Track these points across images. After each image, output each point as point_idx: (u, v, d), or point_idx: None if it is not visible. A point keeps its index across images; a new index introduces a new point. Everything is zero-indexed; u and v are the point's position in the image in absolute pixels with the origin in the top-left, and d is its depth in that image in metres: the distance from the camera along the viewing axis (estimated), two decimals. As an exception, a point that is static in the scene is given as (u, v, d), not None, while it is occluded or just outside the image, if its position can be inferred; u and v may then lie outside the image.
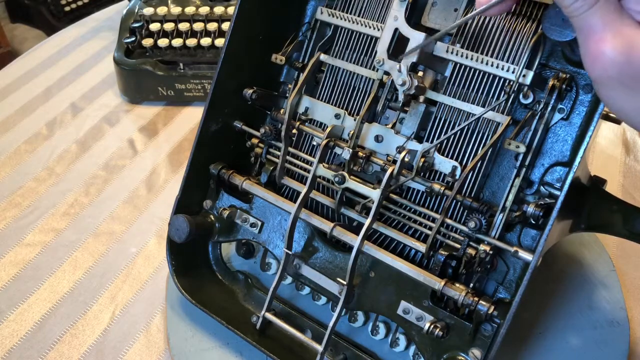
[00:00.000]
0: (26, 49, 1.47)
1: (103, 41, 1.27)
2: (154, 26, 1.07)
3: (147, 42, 1.06)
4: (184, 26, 1.06)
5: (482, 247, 0.55)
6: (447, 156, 0.58)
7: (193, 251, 0.70)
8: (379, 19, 0.61)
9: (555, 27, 0.48)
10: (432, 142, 0.58)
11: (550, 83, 0.54)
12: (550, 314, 0.69)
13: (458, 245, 0.57)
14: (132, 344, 0.69)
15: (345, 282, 0.59)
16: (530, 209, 0.53)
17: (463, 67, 0.57)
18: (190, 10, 1.08)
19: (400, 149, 0.59)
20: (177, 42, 1.05)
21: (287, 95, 0.69)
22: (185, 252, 0.69)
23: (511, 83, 0.55)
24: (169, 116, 1.06)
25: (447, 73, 0.58)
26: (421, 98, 0.59)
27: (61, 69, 1.19)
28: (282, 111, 0.68)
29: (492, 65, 0.55)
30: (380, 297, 0.60)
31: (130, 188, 0.91)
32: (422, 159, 0.57)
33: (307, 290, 0.69)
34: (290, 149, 0.66)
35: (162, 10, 1.08)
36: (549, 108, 0.54)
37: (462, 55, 0.56)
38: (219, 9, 1.08)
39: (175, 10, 1.07)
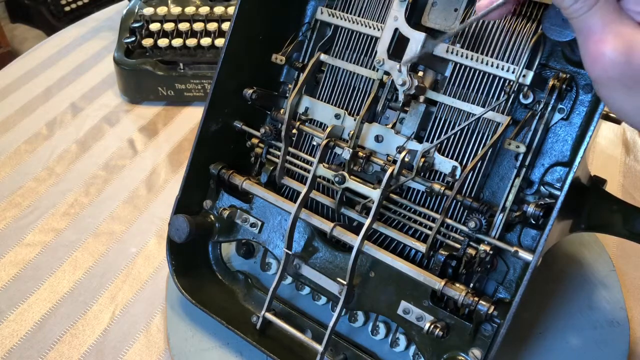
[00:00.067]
0: (26, 49, 1.47)
1: (103, 41, 1.27)
2: (154, 26, 1.07)
3: (147, 42, 1.06)
4: (184, 26, 1.06)
5: (482, 247, 0.55)
6: (447, 156, 0.58)
7: (193, 251, 0.70)
8: (379, 19, 0.61)
9: (555, 27, 0.48)
10: (432, 142, 0.58)
11: (550, 83, 0.54)
12: (550, 314, 0.69)
13: (458, 245, 0.57)
14: (132, 344, 0.69)
15: (345, 282, 0.59)
16: (531, 209, 0.53)
17: (463, 67, 0.57)
18: (190, 10, 1.08)
19: (400, 149, 0.59)
20: (177, 42, 1.05)
21: (287, 95, 0.69)
22: (185, 252, 0.69)
23: (511, 83, 0.55)
24: (169, 116, 1.06)
25: (447, 73, 0.58)
26: (421, 98, 0.59)
27: (61, 69, 1.19)
28: (282, 111, 0.68)
29: (492, 66, 0.55)
30: (380, 297, 0.60)
31: (130, 188, 0.91)
32: (422, 159, 0.57)
33: (307, 290, 0.69)
34: (290, 149, 0.66)
35: (162, 10, 1.08)
36: (549, 108, 0.54)
37: (462, 56, 0.56)
38: (219, 9, 1.08)
39: (175, 10, 1.07)
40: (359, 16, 0.62)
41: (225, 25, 1.07)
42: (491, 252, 0.55)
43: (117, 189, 0.91)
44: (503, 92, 0.55)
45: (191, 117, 1.05)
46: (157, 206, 0.87)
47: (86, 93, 1.12)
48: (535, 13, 0.54)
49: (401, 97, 0.57)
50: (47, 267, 0.78)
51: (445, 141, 0.58)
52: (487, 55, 0.56)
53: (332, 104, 0.64)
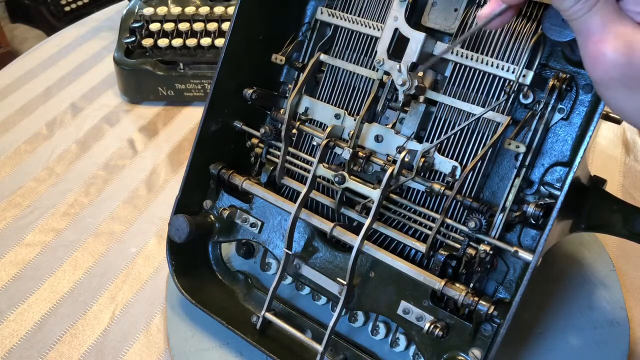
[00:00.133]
0: (26, 49, 1.47)
1: (103, 41, 1.27)
2: (154, 26, 1.07)
3: (147, 42, 1.06)
4: (184, 26, 1.06)
5: (482, 247, 0.55)
6: (447, 156, 0.58)
7: (193, 251, 0.70)
8: (379, 19, 0.61)
9: (555, 27, 0.48)
10: (432, 142, 0.58)
11: (550, 83, 0.54)
12: (550, 314, 0.69)
13: (458, 245, 0.57)
14: (132, 344, 0.69)
15: (345, 282, 0.59)
16: (530, 209, 0.53)
17: (463, 67, 0.57)
18: (190, 10, 1.08)
19: (400, 149, 0.59)
20: (177, 42, 1.05)
21: (287, 95, 0.69)
22: (185, 252, 0.69)
23: (511, 83, 0.55)
24: (169, 116, 1.06)
25: (447, 73, 0.58)
26: (421, 98, 0.59)
27: (61, 69, 1.19)
28: (282, 111, 0.68)
29: (492, 65, 0.55)
30: (380, 297, 0.60)
31: (130, 188, 0.91)
32: (422, 159, 0.57)
33: (307, 290, 0.69)
34: (290, 149, 0.66)
35: (162, 10, 1.08)
36: (549, 108, 0.54)
37: (462, 55, 0.56)
38: (219, 9, 1.08)
39: (175, 10, 1.07)
40: (359, 16, 0.62)
41: (225, 25, 1.07)
42: (491, 252, 0.55)
43: (117, 189, 0.91)
44: (503, 92, 0.55)
45: (191, 117, 1.05)
46: (157, 206, 0.87)
47: (86, 93, 1.12)
48: (535, 13, 0.54)
49: (401, 97, 0.57)
50: (47, 267, 0.78)
51: (445, 141, 0.58)
52: (487, 55, 0.56)
53: (332, 104, 0.64)
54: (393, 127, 0.61)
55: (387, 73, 0.58)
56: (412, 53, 0.55)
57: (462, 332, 0.55)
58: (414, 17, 0.59)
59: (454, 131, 0.57)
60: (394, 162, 0.57)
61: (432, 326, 0.55)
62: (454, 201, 0.57)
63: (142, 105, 1.09)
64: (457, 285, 0.55)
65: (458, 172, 0.57)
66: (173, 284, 0.68)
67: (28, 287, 0.75)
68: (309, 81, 0.65)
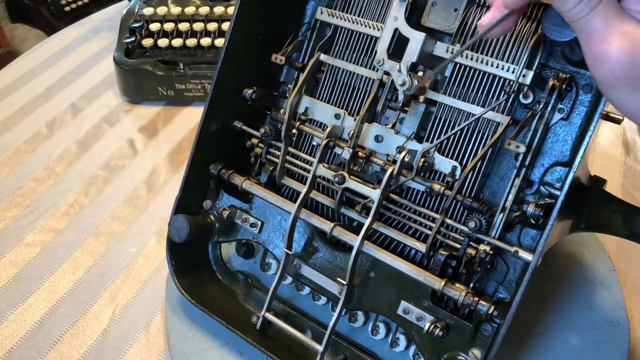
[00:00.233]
0: (26, 49, 1.47)
1: (103, 41, 1.27)
2: (154, 26, 1.07)
3: (147, 42, 1.06)
4: (184, 26, 1.06)
5: (482, 247, 0.55)
6: (447, 156, 0.58)
7: (193, 251, 0.70)
8: (379, 19, 0.61)
9: (555, 27, 0.48)
10: (432, 142, 0.58)
11: (550, 83, 0.54)
12: (550, 314, 0.69)
13: (458, 245, 0.57)
14: (132, 344, 0.69)
15: (345, 282, 0.59)
16: (530, 209, 0.53)
17: (463, 67, 0.57)
18: (190, 10, 1.08)
19: (400, 149, 0.59)
20: (177, 42, 1.05)
21: (287, 95, 0.69)
22: (185, 252, 0.69)
23: (511, 83, 0.55)
24: (169, 116, 1.06)
25: (447, 73, 0.58)
26: (421, 98, 0.59)
27: (61, 69, 1.19)
28: (282, 111, 0.68)
29: (492, 65, 0.55)
30: (380, 297, 0.60)
31: (130, 188, 0.91)
32: (422, 159, 0.57)
33: (307, 290, 0.69)
34: (290, 149, 0.66)
35: (162, 10, 1.08)
36: (549, 108, 0.54)
37: (462, 55, 0.56)
38: (219, 9, 1.08)
39: (175, 10, 1.07)
40: (358, 16, 0.62)
41: (225, 25, 1.07)
42: (491, 252, 0.55)
43: (117, 189, 0.91)
44: (503, 92, 0.55)
45: (191, 117, 1.05)
46: (157, 206, 0.87)
47: (86, 93, 1.12)
48: (535, 13, 0.54)
49: (401, 97, 0.57)
50: (47, 267, 0.78)
51: (445, 141, 0.58)
52: (487, 55, 0.56)
53: (332, 104, 0.64)
54: (393, 127, 0.61)
55: (387, 73, 0.58)
56: (412, 53, 0.55)
57: (462, 332, 0.55)
58: (413, 17, 0.59)
59: (454, 131, 0.57)
60: (394, 162, 0.57)
61: (432, 326, 0.55)
62: (454, 201, 0.57)
63: (142, 105, 1.09)
64: (457, 285, 0.55)
65: (458, 172, 0.57)
66: (173, 284, 0.68)
67: (28, 287, 0.75)
68: (309, 81, 0.65)
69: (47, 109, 1.08)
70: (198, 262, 0.71)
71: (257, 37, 0.67)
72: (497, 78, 0.56)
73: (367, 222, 0.57)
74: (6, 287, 0.76)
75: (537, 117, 0.55)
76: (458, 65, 0.57)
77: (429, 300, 0.57)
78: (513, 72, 0.54)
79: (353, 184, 0.58)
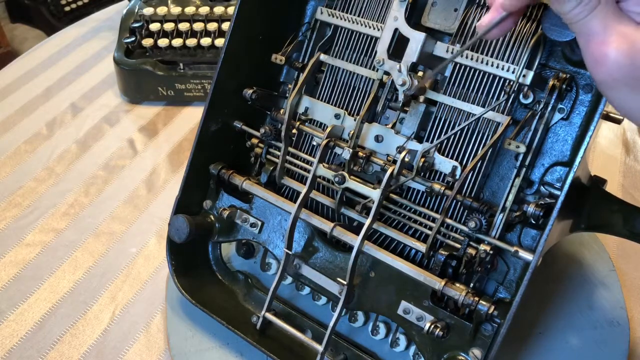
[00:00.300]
0: (26, 49, 1.47)
1: (103, 41, 1.27)
2: (154, 26, 1.07)
3: (147, 42, 1.06)
4: (184, 26, 1.06)
5: (482, 247, 0.55)
6: (447, 156, 0.58)
7: (193, 251, 0.70)
8: (379, 19, 0.61)
9: (555, 27, 0.48)
10: (432, 142, 0.58)
11: (550, 83, 0.54)
12: (550, 314, 0.69)
13: (458, 245, 0.57)
14: (132, 344, 0.69)
15: (345, 282, 0.59)
16: (531, 209, 0.53)
17: (463, 67, 0.57)
18: (190, 10, 1.08)
19: (400, 149, 0.59)
20: (177, 42, 1.05)
21: (287, 95, 0.69)
22: (185, 252, 0.69)
23: (511, 83, 0.55)
24: (169, 116, 1.06)
25: (447, 73, 0.58)
26: (421, 98, 0.59)
27: (61, 69, 1.19)
28: (282, 111, 0.68)
29: (492, 65, 0.55)
30: (380, 297, 0.60)
31: (130, 188, 0.91)
32: (422, 159, 0.57)
33: (307, 290, 0.69)
34: (290, 149, 0.66)
35: (162, 10, 1.08)
36: (549, 108, 0.54)
37: (462, 55, 0.56)
38: (219, 9, 1.08)
39: (175, 10, 1.07)
40: (358, 16, 0.62)
41: (225, 25, 1.07)
42: (491, 252, 0.55)
43: (117, 189, 0.91)
44: (503, 92, 0.55)
45: (191, 117, 1.05)
46: (157, 206, 0.87)
47: (86, 93, 1.12)
48: (535, 13, 0.54)
49: (401, 97, 0.57)
50: (47, 267, 0.78)
51: (445, 141, 0.58)
52: (487, 55, 0.56)
53: (332, 104, 0.64)
54: (393, 127, 0.61)
55: (387, 73, 0.58)
56: (412, 53, 0.55)
57: (462, 332, 0.55)
58: (413, 17, 0.59)
59: (454, 131, 0.57)
60: (394, 162, 0.57)
61: (432, 326, 0.55)
62: (454, 201, 0.57)
63: (142, 105, 1.09)
64: (457, 285, 0.55)
65: (458, 172, 0.57)
66: (173, 284, 0.68)
67: (28, 287, 0.75)
68: (309, 81, 0.65)
69: (47, 109, 1.08)
70: (198, 262, 0.71)
71: (257, 37, 0.67)
72: (497, 78, 0.56)
73: (367, 222, 0.57)
74: (6, 287, 0.76)
75: (537, 117, 0.55)
76: (458, 65, 0.57)
77: (429, 300, 0.57)
78: (513, 72, 0.54)
79: (353, 184, 0.58)
